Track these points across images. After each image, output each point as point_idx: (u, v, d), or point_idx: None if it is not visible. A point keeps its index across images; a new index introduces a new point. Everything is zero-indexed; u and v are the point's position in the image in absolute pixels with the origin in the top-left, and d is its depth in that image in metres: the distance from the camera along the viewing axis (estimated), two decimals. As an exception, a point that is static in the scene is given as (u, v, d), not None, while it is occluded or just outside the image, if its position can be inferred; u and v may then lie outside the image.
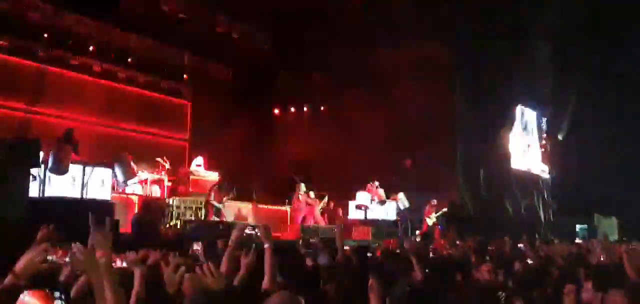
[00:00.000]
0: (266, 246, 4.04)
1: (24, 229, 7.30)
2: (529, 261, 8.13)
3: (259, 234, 4.59)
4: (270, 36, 17.88)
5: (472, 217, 16.95)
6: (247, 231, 4.94)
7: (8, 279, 2.41)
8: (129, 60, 16.07)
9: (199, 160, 14.48)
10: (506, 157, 19.53)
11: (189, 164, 14.93)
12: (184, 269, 3.63)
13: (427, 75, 16.25)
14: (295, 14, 16.56)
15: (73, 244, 2.53)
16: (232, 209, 13.29)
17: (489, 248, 9.54)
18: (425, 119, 16.52)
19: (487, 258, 7.05)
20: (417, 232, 15.22)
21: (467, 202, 17.57)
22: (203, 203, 12.68)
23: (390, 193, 16.09)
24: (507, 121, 20.06)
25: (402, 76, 16.25)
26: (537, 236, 14.43)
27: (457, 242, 12.82)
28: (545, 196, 20.81)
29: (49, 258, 2.50)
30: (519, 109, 20.76)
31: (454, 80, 17.75)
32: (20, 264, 2.44)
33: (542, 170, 21.76)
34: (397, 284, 3.71)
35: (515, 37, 18.51)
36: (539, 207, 20.28)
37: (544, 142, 22.12)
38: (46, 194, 9.63)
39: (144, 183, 12.96)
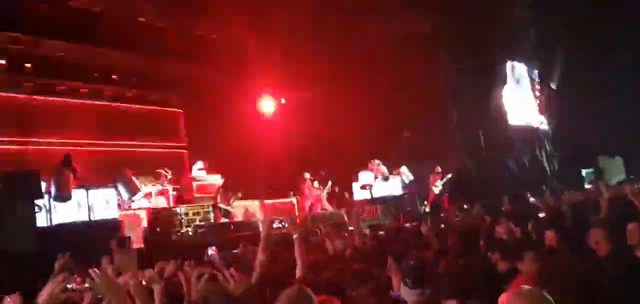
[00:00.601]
0: (295, 236, 4.03)
1: (35, 260, 7.24)
2: (541, 215, 8.14)
3: (286, 225, 4.58)
4: (254, 32, 17.74)
5: (477, 180, 16.95)
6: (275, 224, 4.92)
7: None
8: (114, 77, 15.93)
9: (200, 164, 14.41)
10: (503, 115, 19.53)
11: (190, 171, 14.85)
12: (206, 277, 3.58)
13: (414, 46, 16.22)
14: (273, 4, 16.44)
15: (90, 270, 2.56)
16: (240, 209, 13.24)
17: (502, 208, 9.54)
18: (417, 90, 16.50)
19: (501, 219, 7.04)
20: (425, 202, 15.22)
21: (469, 166, 17.58)
22: (211, 207, 12.61)
23: (392, 168, 16.05)
24: (498, 78, 20.04)
25: (389, 51, 16.19)
26: (544, 188, 14.45)
27: (465, 206, 12.86)
28: (547, 147, 20.81)
29: (69, 286, 2.48)
30: (508, 64, 20.72)
31: (441, 47, 17.71)
32: (43, 296, 2.43)
33: (540, 122, 21.76)
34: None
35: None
36: (543, 159, 20.29)
37: (538, 93, 22.10)
38: (54, 222, 9.56)
39: (149, 196, 12.88)
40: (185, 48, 16.54)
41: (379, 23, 16.13)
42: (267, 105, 17.91)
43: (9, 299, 4.12)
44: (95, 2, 14.64)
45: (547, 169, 20.02)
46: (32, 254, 7.72)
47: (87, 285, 3.12)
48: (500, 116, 19.69)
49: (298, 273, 3.88)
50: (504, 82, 20.29)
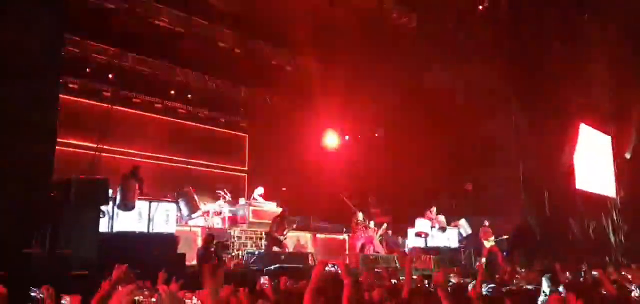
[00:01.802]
0: (346, 281, 4.05)
1: (97, 265, 7.57)
2: (604, 292, 7.70)
3: (339, 269, 4.60)
4: (323, 66, 18.04)
5: (538, 242, 16.32)
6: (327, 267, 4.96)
7: None
8: (189, 96, 16.58)
9: (260, 190, 14.66)
10: (571, 178, 18.78)
11: (248, 195, 15.14)
12: None
13: (484, 96, 15.94)
14: (346, 42, 16.65)
15: (159, 287, 2.68)
16: (292, 240, 13.35)
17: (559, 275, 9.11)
18: (484, 141, 16.17)
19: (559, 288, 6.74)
20: (482, 259, 14.79)
21: (533, 225, 16.96)
22: (264, 234, 12.78)
23: (451, 219, 15.75)
24: (569, 139, 19.32)
25: (458, 99, 16.00)
26: (607, 259, 13.74)
27: (522, 269, 12.36)
28: (615, 217, 19.79)
29: (136, 298, 2.62)
30: (582, 127, 19.97)
31: (512, 101, 17.32)
32: (112, 303, 2.58)
33: (610, 190, 20.76)
34: None
35: (574, 54, 17.91)
36: (609, 229, 19.30)
37: (610, 161, 21.14)
38: (115, 229, 9.97)
39: (207, 215, 13.22)
40: (258, 76, 17.00)
41: (449, 70, 16.01)
42: (331, 140, 18.05)
43: (68, 299, 4.35)
44: (178, 23, 15.31)
45: (612, 240, 19.00)
46: (94, 260, 8.07)
47: (153, 300, 3.27)
48: (568, 178, 18.92)
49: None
50: (575, 144, 19.53)
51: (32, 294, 4.58)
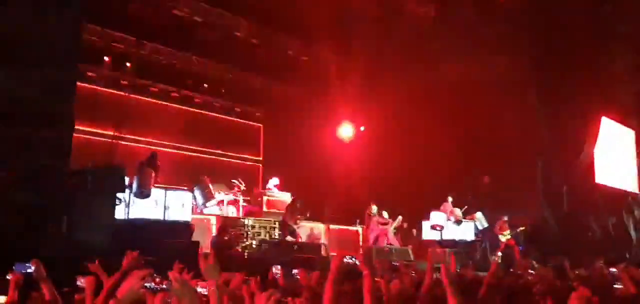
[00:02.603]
0: (366, 272, 4.04)
1: (112, 252, 7.66)
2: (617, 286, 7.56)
3: (357, 262, 4.59)
4: (339, 57, 17.95)
5: (555, 238, 16.14)
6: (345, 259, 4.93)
7: None
8: (205, 85, 16.65)
9: (275, 180, 14.70)
10: (590, 173, 18.50)
11: (263, 185, 15.20)
12: (275, 299, 3.64)
13: (502, 88, 15.75)
14: (363, 32, 16.56)
15: (170, 274, 2.72)
16: (305, 230, 13.38)
17: (576, 272, 8.98)
18: (502, 134, 15.98)
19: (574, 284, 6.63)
20: (499, 253, 14.69)
21: (550, 221, 16.77)
22: (278, 223, 12.83)
23: (466, 212, 15.64)
24: (589, 133, 19.01)
25: (476, 91, 15.82)
26: (628, 256, 13.53)
27: (536, 265, 12.21)
28: (636, 213, 19.45)
29: (147, 285, 2.64)
30: (603, 120, 19.63)
31: (531, 93, 17.09)
32: (122, 289, 2.60)
33: (631, 185, 20.41)
34: None
35: (596, 46, 17.58)
36: (629, 226, 18.98)
37: (632, 157, 20.76)
38: (131, 216, 10.09)
39: (221, 204, 13.31)
40: (274, 66, 17.01)
41: (468, 61, 15.83)
42: (346, 131, 18.00)
43: (83, 280, 4.41)
44: (197, 13, 15.35)
45: (633, 237, 18.69)
46: (110, 246, 8.17)
47: (164, 286, 3.31)
48: (587, 173, 18.63)
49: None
50: (596, 137, 19.20)
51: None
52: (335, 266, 4.06)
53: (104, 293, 3.69)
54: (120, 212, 9.73)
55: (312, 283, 5.16)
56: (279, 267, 6.89)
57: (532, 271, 9.12)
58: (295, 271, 6.54)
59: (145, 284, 2.69)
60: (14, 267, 3.42)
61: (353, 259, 4.96)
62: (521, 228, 15.17)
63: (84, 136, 12.91)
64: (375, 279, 5.80)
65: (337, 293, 4.04)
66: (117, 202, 9.44)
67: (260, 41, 16.66)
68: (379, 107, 18.38)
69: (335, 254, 10.11)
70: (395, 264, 8.12)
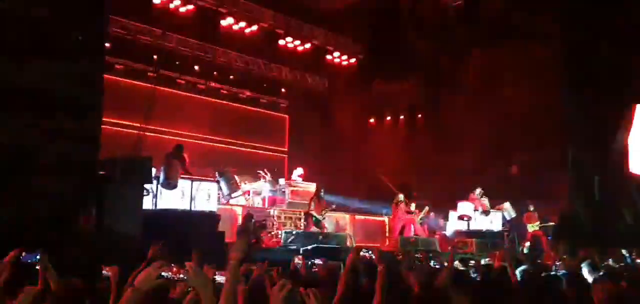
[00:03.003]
0: (380, 268, 4.04)
1: (140, 242, 7.78)
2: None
3: (373, 256, 4.59)
4: (365, 46, 17.87)
5: (585, 229, 15.79)
6: (361, 253, 4.96)
7: (128, 292, 2.61)
8: (231, 77, 16.76)
9: (300, 171, 14.74)
10: (624, 161, 18.02)
11: (288, 175, 15.25)
12: (287, 290, 3.66)
13: (532, 75, 15.43)
14: (389, 21, 16.43)
15: (187, 263, 2.75)
16: (331, 220, 13.37)
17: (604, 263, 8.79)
18: (531, 122, 15.70)
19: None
20: (527, 244, 14.47)
21: (579, 211, 16.41)
22: (303, 214, 12.86)
23: (495, 202, 15.42)
24: (623, 120, 18.49)
25: (504, 77, 15.56)
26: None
27: (564, 256, 11.99)
28: (671, 203, 18.90)
29: (164, 274, 2.67)
30: (638, 108, 19.08)
31: (563, 79, 16.68)
32: (139, 278, 2.63)
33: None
34: None
35: (631, 32, 17.06)
36: (664, 215, 18.47)
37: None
38: (158, 207, 10.23)
39: (247, 194, 13.40)
40: (300, 57, 17.02)
41: (496, 47, 15.56)
42: (372, 120, 17.92)
43: (107, 269, 4.50)
44: (222, 4, 15.43)
45: (668, 227, 18.17)
46: (138, 236, 8.31)
47: (181, 275, 3.34)
48: (620, 162, 18.14)
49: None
50: (631, 126, 18.66)
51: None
52: (350, 261, 4.08)
53: (129, 280, 3.77)
54: (148, 203, 9.87)
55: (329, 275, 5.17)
56: (301, 257, 6.92)
57: (558, 262, 8.98)
58: (316, 261, 6.57)
59: (163, 274, 2.72)
60: (21, 257, 3.48)
61: (370, 253, 4.95)
62: (550, 219, 14.89)
63: (112, 128, 13.13)
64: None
65: (350, 285, 4.04)
66: (145, 192, 9.58)
67: (286, 32, 16.68)
68: (406, 96, 18.26)
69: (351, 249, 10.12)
70: (418, 255, 8.07)
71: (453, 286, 3.31)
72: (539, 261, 9.52)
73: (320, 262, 6.70)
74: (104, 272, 4.70)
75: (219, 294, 2.71)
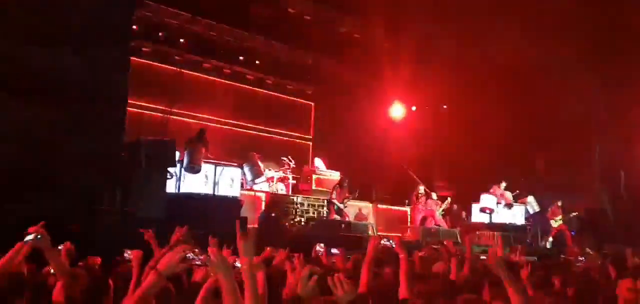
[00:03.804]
0: (402, 256, 4.05)
1: (164, 224, 7.92)
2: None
3: (394, 244, 4.60)
4: (392, 35, 17.70)
5: (611, 225, 15.55)
6: (382, 241, 4.96)
7: (151, 275, 2.67)
8: (257, 62, 16.77)
9: (320, 160, 14.77)
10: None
11: (312, 163, 15.27)
12: (316, 278, 3.69)
13: (560, 70, 15.17)
14: (416, 11, 16.25)
15: (209, 249, 2.79)
16: (353, 209, 13.40)
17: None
18: (558, 116, 15.46)
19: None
20: (550, 238, 14.30)
21: (606, 207, 16.15)
22: (326, 201, 12.91)
23: (518, 196, 15.26)
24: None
25: (532, 73, 15.33)
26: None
27: (589, 250, 11.83)
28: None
29: (188, 256, 2.73)
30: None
31: (590, 74, 16.37)
32: (163, 262, 2.70)
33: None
34: None
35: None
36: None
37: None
38: (181, 190, 10.36)
39: (271, 181, 13.47)
40: (326, 43, 16.94)
41: (523, 42, 15.30)
42: (397, 111, 17.80)
43: (129, 252, 4.59)
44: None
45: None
46: (162, 218, 8.45)
47: (202, 258, 3.39)
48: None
49: (401, 293, 3.91)
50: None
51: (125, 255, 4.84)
52: (371, 249, 4.09)
53: (151, 263, 3.84)
54: (171, 186, 10.00)
55: (349, 265, 5.19)
56: (322, 245, 6.95)
57: (582, 258, 8.87)
58: (334, 250, 6.59)
59: (187, 257, 2.77)
60: (25, 239, 3.54)
61: (391, 242, 4.95)
62: (575, 213, 14.68)
63: (137, 110, 13.28)
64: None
65: (372, 273, 4.06)
66: (168, 176, 9.71)
67: (313, 18, 16.61)
68: (431, 87, 18.08)
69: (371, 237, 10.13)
70: (436, 247, 8.03)
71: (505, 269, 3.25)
72: (562, 256, 9.39)
73: (337, 251, 6.71)
74: (126, 255, 4.80)
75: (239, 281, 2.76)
